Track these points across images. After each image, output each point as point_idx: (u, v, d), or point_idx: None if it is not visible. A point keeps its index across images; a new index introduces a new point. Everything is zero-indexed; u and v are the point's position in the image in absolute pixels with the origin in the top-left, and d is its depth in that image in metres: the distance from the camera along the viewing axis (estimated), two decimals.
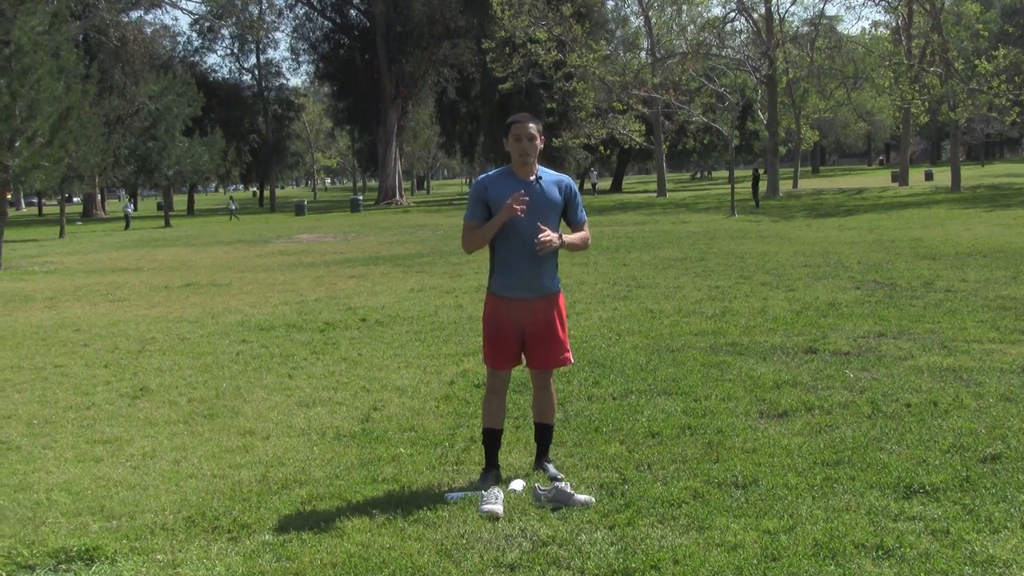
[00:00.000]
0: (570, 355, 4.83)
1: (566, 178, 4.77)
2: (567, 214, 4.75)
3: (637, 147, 58.31)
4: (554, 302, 4.75)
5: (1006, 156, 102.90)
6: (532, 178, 4.64)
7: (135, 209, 52.80)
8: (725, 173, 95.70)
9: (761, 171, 42.08)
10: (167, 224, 41.49)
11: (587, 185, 67.61)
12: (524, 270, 4.63)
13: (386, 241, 25.31)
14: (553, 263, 4.73)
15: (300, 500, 4.63)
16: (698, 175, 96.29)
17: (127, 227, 40.74)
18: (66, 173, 27.77)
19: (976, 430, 5.23)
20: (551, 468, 4.84)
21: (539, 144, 4.61)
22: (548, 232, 4.52)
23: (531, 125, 4.58)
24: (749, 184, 41.48)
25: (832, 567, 3.59)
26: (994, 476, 4.49)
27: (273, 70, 66.87)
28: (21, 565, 3.99)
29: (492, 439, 4.83)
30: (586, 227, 4.83)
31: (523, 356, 4.80)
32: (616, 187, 72.93)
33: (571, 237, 4.74)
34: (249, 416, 6.38)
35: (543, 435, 4.94)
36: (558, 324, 4.74)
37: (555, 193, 4.67)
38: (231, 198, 53.39)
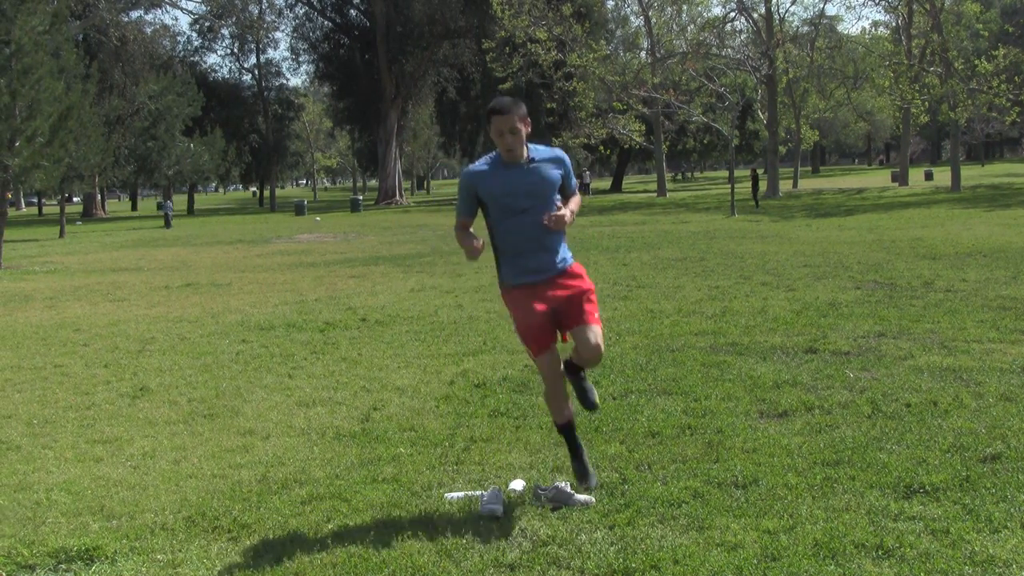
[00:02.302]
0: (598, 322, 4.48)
1: (558, 152, 4.55)
2: (563, 187, 4.52)
3: (637, 147, 58.36)
4: (573, 273, 4.50)
5: (1006, 156, 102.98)
6: (523, 162, 4.38)
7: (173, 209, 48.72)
8: (712, 173, 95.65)
9: (760, 171, 42.07)
10: (167, 224, 41.48)
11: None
12: (532, 255, 4.42)
13: (386, 241, 25.31)
14: (560, 238, 4.50)
15: (300, 500, 4.63)
16: (680, 176, 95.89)
17: (167, 225, 40.03)
18: (66, 173, 27.80)
19: (976, 430, 5.23)
20: (589, 389, 4.68)
21: (524, 131, 4.31)
22: (559, 209, 4.35)
23: (513, 116, 4.27)
24: (748, 184, 41.49)
25: (832, 567, 3.59)
26: (994, 476, 4.49)
27: (273, 70, 67.00)
28: (21, 565, 3.99)
29: (570, 432, 4.55)
30: (577, 193, 4.65)
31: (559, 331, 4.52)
32: (616, 187, 72.96)
33: (572, 208, 4.50)
34: (249, 416, 6.38)
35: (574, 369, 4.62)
36: (585, 292, 4.46)
37: (552, 172, 4.43)
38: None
